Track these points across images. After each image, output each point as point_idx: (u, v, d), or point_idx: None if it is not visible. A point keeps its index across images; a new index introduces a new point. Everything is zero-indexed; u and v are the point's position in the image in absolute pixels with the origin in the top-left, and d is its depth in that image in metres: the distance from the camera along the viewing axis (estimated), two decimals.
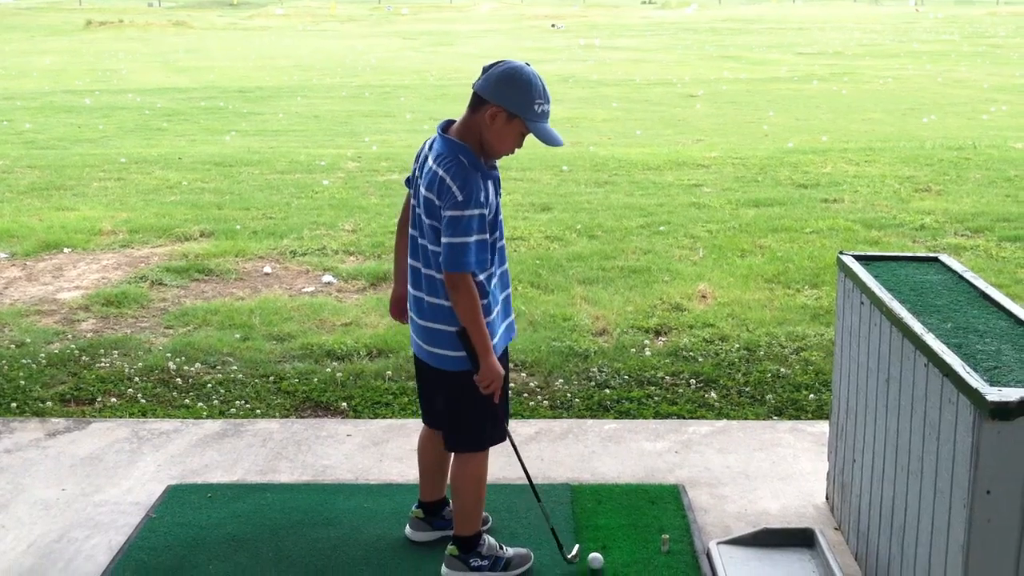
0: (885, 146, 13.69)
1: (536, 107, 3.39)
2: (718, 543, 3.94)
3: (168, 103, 20.17)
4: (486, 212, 3.39)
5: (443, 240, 3.36)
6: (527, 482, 3.85)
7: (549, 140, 3.43)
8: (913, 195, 10.43)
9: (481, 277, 3.44)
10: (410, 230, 3.58)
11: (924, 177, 11.34)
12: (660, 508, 4.26)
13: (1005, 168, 11.86)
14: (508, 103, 3.37)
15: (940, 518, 2.94)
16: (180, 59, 31.12)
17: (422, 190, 3.44)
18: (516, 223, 9.05)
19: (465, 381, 3.52)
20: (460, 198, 3.32)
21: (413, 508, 4.03)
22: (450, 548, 3.74)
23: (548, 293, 7.21)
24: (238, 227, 9.11)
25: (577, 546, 3.88)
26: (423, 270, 3.52)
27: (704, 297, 7.10)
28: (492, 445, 3.72)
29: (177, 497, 4.37)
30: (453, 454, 3.76)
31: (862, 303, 3.72)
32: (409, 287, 3.64)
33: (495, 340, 3.53)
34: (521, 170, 11.61)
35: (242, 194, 10.77)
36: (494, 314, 3.55)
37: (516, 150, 3.52)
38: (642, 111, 18.94)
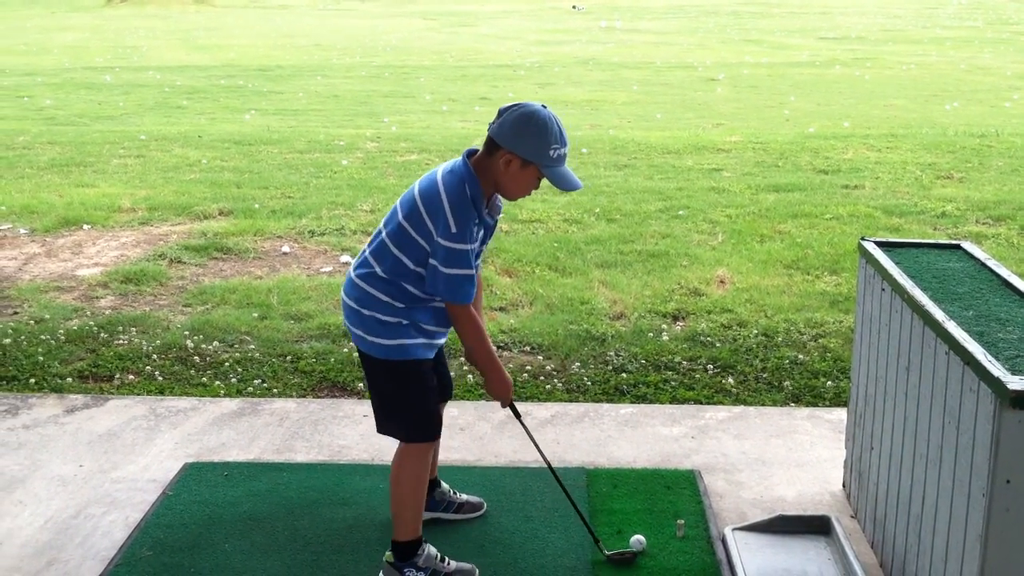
0: (907, 132, 13.60)
1: (551, 152, 3.33)
2: (733, 529, 3.93)
3: (188, 81, 20.20)
4: (475, 247, 3.39)
5: (441, 269, 3.33)
6: (544, 466, 3.84)
7: (565, 186, 3.39)
8: (935, 182, 10.36)
9: (410, 287, 3.41)
10: (382, 224, 3.52)
11: (946, 164, 11.26)
12: (676, 493, 4.25)
13: None
14: (522, 150, 3.32)
15: (958, 507, 2.92)
16: (200, 37, 31.16)
17: (415, 191, 3.41)
18: (535, 205, 9.03)
19: (387, 368, 3.48)
20: (454, 230, 3.30)
21: None
22: (387, 555, 3.64)
23: (566, 276, 7.19)
24: (257, 206, 9.12)
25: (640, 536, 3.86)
26: (375, 266, 3.43)
27: (722, 282, 7.07)
28: (420, 441, 3.59)
29: (194, 475, 4.38)
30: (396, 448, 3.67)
31: (883, 290, 3.69)
32: (352, 266, 3.58)
33: (417, 340, 3.49)
34: None
35: (261, 173, 10.78)
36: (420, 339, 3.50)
37: (533, 191, 3.49)
38: (662, 94, 18.86)
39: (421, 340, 3.49)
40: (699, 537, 3.92)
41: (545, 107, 3.38)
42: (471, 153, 3.45)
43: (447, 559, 3.65)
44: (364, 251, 3.53)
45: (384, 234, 3.44)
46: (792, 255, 7.66)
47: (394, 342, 3.44)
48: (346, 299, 3.53)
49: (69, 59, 24.05)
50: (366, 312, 3.45)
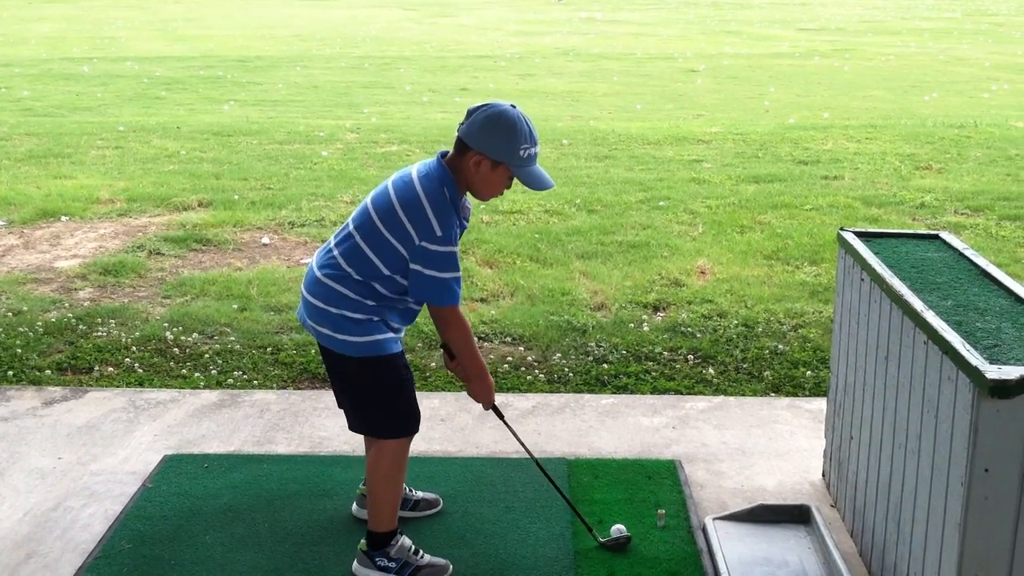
0: (886, 123, 13.65)
1: (521, 152, 3.31)
2: (714, 518, 3.94)
3: (167, 72, 20.07)
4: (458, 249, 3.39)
5: (428, 273, 3.32)
6: (526, 456, 3.85)
7: (537, 185, 3.37)
8: (914, 173, 10.41)
9: (382, 289, 3.39)
10: (351, 222, 3.48)
11: (925, 155, 11.31)
12: (657, 483, 4.26)
13: (1006, 147, 11.83)
14: (491, 151, 3.30)
15: (937, 496, 2.94)
16: (179, 27, 30.95)
17: (392, 194, 3.37)
18: (516, 196, 9.02)
19: (363, 366, 3.46)
20: (439, 233, 3.29)
21: (360, 486, 3.98)
22: (361, 543, 3.63)
23: (547, 267, 7.20)
24: (236, 197, 9.08)
25: (620, 526, 3.86)
26: (347, 268, 3.40)
27: (703, 273, 7.09)
28: (399, 436, 3.57)
29: (174, 467, 4.37)
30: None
31: (862, 280, 3.70)
32: (313, 262, 3.56)
33: (387, 334, 3.47)
34: None
35: (240, 164, 10.73)
36: (388, 334, 3.48)
37: (505, 191, 3.48)
38: (643, 85, 18.87)
39: (390, 335, 3.47)
40: (680, 527, 3.94)
41: (514, 106, 3.35)
42: (444, 155, 3.43)
43: (421, 552, 3.63)
44: (331, 251, 3.48)
45: (357, 237, 3.40)
46: (772, 246, 7.69)
47: (367, 339, 3.42)
48: (310, 297, 3.48)
49: (46, 50, 23.85)
50: (334, 310, 3.41)
